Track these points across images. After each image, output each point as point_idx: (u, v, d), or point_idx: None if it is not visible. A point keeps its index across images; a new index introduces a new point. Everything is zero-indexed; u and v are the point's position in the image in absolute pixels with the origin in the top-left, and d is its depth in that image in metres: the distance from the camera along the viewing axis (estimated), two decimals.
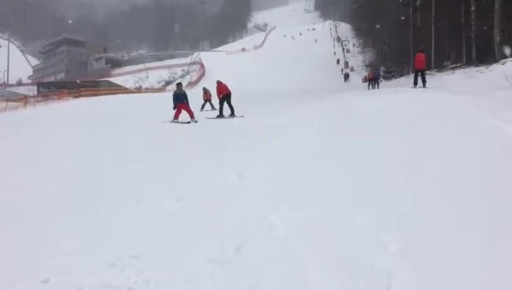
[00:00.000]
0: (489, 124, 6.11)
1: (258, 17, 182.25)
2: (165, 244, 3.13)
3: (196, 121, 13.30)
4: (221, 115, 14.18)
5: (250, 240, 3.05)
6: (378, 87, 27.33)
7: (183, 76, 74.43)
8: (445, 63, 30.27)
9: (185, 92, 14.31)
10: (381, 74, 39.08)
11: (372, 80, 28.54)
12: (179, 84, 15.02)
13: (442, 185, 3.76)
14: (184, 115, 13.54)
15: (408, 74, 33.59)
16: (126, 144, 8.86)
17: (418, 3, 30.31)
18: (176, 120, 13.37)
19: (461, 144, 5.24)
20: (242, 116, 13.33)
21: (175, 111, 13.61)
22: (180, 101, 13.73)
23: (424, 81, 16.52)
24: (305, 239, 2.99)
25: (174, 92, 14.29)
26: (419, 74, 16.88)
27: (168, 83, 73.85)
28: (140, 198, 4.30)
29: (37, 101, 31.94)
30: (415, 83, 16.87)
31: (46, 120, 17.47)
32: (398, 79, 36.47)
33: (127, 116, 16.60)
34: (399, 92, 14.04)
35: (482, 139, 5.34)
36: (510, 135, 5.24)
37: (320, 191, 3.99)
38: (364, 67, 54.55)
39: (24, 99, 30.72)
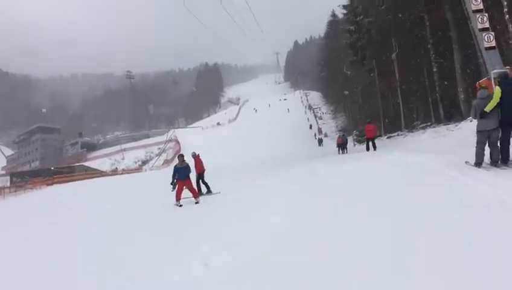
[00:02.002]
0: (470, 188, 5.90)
1: (231, 92, 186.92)
2: None
3: (197, 202, 11.58)
4: (199, 193, 13.63)
5: None
6: (347, 152, 28.56)
7: (159, 154, 74.46)
8: (415, 123, 30.95)
9: (187, 165, 11.94)
10: (354, 137, 40.19)
11: (341, 145, 29.89)
12: (181, 156, 12.37)
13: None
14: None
15: (381, 136, 34.13)
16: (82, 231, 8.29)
17: (393, 56, 31.13)
18: (179, 203, 11.38)
19: (443, 220, 4.89)
20: (219, 193, 13.01)
21: (175, 190, 11.47)
22: (183, 176, 11.60)
23: (374, 147, 20.87)
24: None
25: (175, 166, 11.98)
26: (370, 141, 21.28)
27: (144, 162, 73.65)
28: None
29: (9, 192, 31.13)
30: (367, 149, 21.30)
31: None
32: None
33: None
34: (371, 157, 14.06)
35: (468, 213, 5.04)
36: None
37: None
38: (338, 132, 55.44)
39: None
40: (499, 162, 7.37)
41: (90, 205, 14.96)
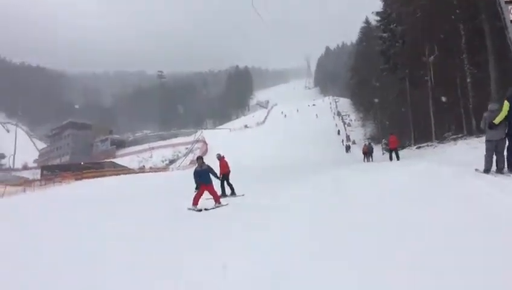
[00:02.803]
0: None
1: (260, 95, 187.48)
2: None
3: (216, 207, 10.65)
4: (223, 195, 13.57)
5: None
6: (372, 160, 29.17)
7: (186, 154, 75.11)
8: (446, 134, 30.21)
9: (208, 167, 11.18)
10: (383, 146, 39.62)
11: (367, 154, 30.20)
12: (199, 158, 11.67)
13: None
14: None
15: (410, 145, 33.49)
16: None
17: (431, 59, 30.16)
18: (195, 207, 10.35)
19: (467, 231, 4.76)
20: (243, 195, 12.98)
21: (195, 194, 10.67)
22: (205, 180, 10.89)
23: (397, 157, 22.38)
24: None
25: (195, 169, 11.27)
26: (393, 151, 22.85)
27: (172, 161, 74.39)
28: None
29: (40, 185, 31.88)
30: (390, 159, 22.77)
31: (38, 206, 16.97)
32: (399, 151, 36.36)
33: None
34: (398, 166, 13.83)
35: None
36: None
37: None
38: (366, 140, 54.77)
39: (23, 183, 30.63)
40: (505, 169, 8.14)
41: (108, 203, 14.95)
